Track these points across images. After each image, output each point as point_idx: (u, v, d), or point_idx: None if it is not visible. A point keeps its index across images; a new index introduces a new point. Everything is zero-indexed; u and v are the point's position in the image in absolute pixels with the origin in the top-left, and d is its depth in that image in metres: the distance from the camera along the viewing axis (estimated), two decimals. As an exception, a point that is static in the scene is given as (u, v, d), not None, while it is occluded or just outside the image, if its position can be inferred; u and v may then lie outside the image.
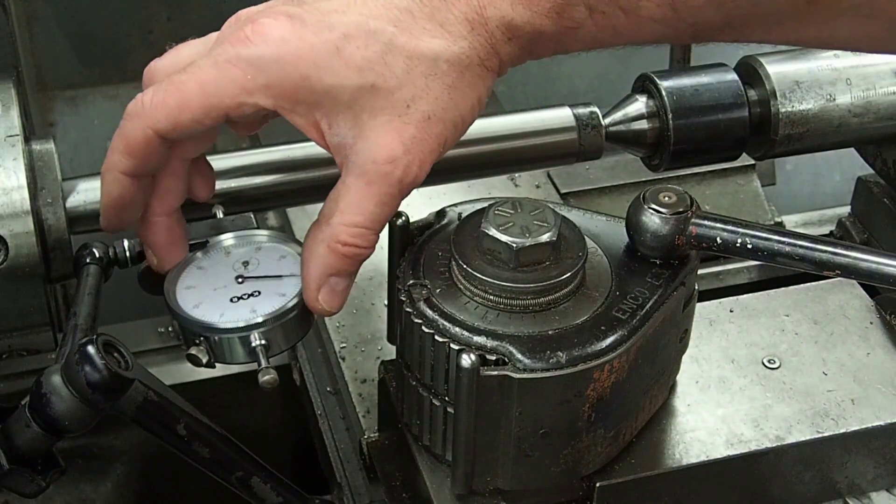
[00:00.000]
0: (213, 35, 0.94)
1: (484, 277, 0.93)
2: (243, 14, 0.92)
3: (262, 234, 1.03)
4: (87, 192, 1.06)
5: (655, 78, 1.15)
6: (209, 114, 0.89)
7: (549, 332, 0.92)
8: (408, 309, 0.94)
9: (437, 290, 0.95)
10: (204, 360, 0.95)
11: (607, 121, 1.15)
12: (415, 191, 1.33)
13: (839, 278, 0.98)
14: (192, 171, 0.99)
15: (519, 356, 0.90)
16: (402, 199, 0.92)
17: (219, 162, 1.08)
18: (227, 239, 1.02)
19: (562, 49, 0.95)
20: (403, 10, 0.89)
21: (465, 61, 0.90)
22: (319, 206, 0.94)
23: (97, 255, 1.02)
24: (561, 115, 1.16)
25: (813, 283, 1.17)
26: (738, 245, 0.96)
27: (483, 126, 1.15)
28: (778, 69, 1.17)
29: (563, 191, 1.44)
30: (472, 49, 0.90)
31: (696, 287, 1.02)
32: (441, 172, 1.14)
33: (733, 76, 1.16)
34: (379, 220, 0.91)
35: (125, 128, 0.91)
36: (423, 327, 0.93)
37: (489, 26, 0.91)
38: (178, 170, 0.96)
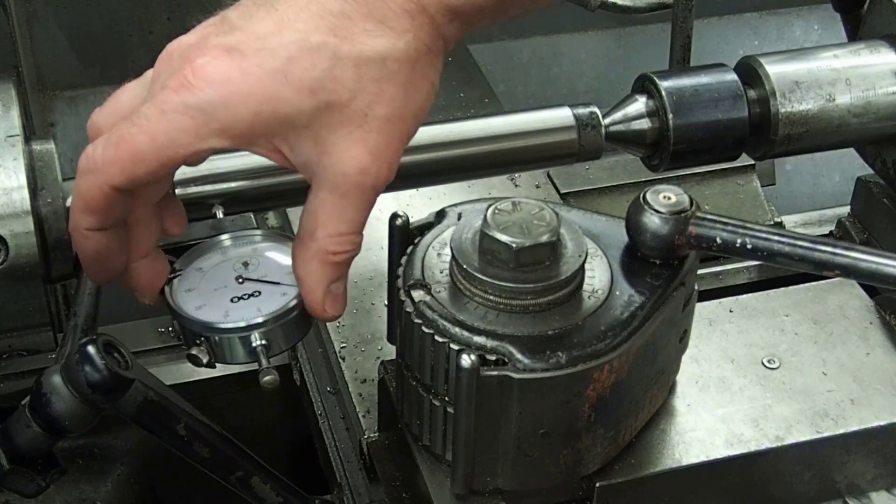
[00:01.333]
0: (150, 73, 0.91)
1: (484, 277, 0.93)
2: (175, 51, 0.88)
3: (261, 234, 1.03)
4: (87, 193, 1.05)
5: (655, 78, 1.15)
6: (165, 165, 0.87)
7: (549, 332, 0.92)
8: (408, 309, 0.94)
9: (437, 290, 0.95)
10: (204, 360, 0.95)
11: (607, 121, 1.15)
12: (414, 190, 1.34)
13: (839, 278, 0.98)
14: (162, 210, 0.97)
15: (519, 356, 0.90)
16: (377, 197, 0.92)
17: (219, 162, 1.07)
18: (227, 239, 1.02)
19: (501, 16, 0.94)
20: (339, 16, 0.87)
21: (413, 55, 0.88)
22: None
23: (97, 255, 1.02)
24: (561, 115, 1.15)
25: (813, 283, 1.17)
26: (738, 245, 0.96)
27: (483, 126, 1.15)
28: (778, 69, 1.17)
29: (563, 191, 1.44)
30: (418, 39, 0.89)
31: (696, 287, 1.02)
32: (441, 172, 1.14)
33: (733, 76, 1.16)
34: (360, 224, 0.91)
35: (81, 186, 0.89)
36: (423, 327, 0.93)
37: (429, 12, 0.89)
38: (145, 217, 0.94)
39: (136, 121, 0.86)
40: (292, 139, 0.88)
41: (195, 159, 0.89)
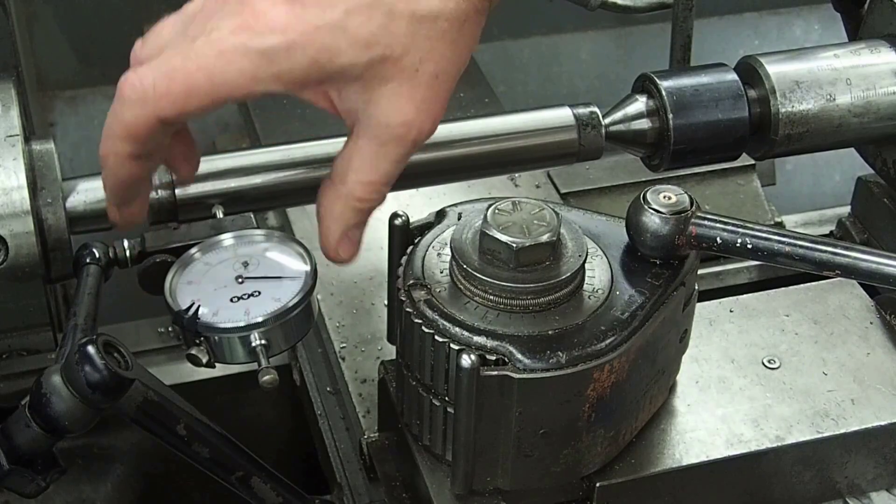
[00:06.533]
0: (189, 7, 0.92)
1: (484, 277, 0.93)
2: None
3: (261, 234, 1.03)
4: (87, 192, 1.06)
5: (655, 78, 1.15)
6: (217, 102, 0.88)
7: (549, 332, 0.92)
8: (408, 309, 0.94)
9: (437, 290, 0.95)
10: (204, 360, 0.95)
11: (607, 121, 1.15)
12: (414, 190, 1.34)
13: (839, 278, 0.98)
14: (174, 145, 0.97)
15: (519, 356, 0.90)
16: (414, 152, 0.93)
17: (219, 162, 1.08)
18: (227, 239, 1.02)
19: None
20: None
21: (462, 16, 0.90)
22: (320, 206, 0.94)
23: (97, 255, 1.02)
24: (561, 115, 1.16)
25: (813, 283, 1.17)
26: (738, 245, 0.96)
27: (483, 126, 1.15)
28: (778, 69, 1.17)
29: (563, 191, 1.44)
30: (468, 1, 0.90)
31: (696, 287, 1.02)
32: (441, 172, 1.14)
33: (733, 76, 1.16)
34: (392, 176, 0.93)
35: (126, 115, 0.89)
36: (423, 327, 0.93)
37: None
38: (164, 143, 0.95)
39: (193, 56, 0.87)
40: (342, 87, 0.90)
41: (246, 100, 0.89)
